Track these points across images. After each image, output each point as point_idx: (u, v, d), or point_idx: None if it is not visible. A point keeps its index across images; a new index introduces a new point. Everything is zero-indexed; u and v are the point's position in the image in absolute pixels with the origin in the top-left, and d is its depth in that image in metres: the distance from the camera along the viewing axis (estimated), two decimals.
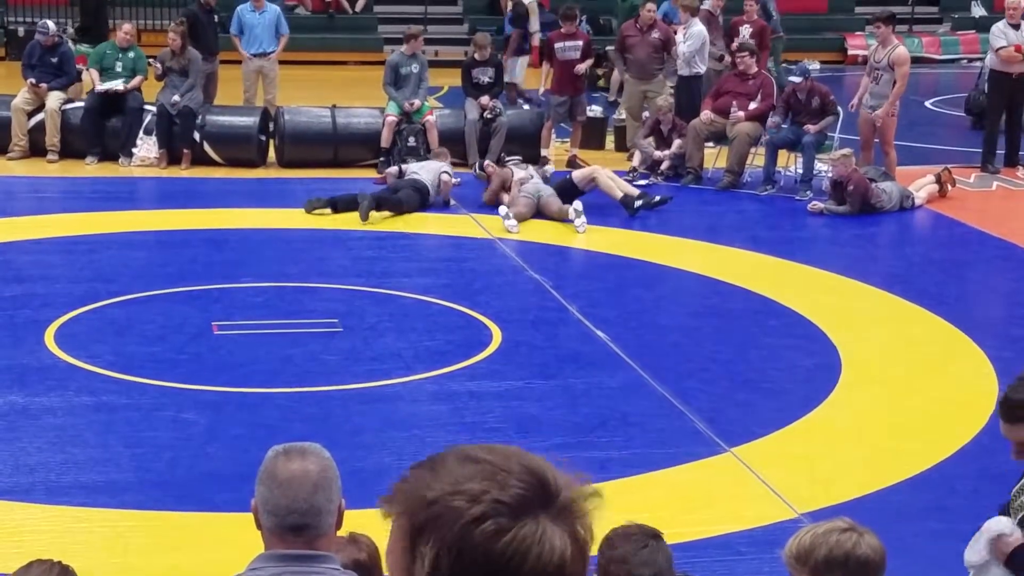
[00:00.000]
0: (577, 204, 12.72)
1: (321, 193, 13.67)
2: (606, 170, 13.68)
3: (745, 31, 16.56)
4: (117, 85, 15.33)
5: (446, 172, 13.64)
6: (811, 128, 14.38)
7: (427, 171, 13.59)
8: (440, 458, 1.76)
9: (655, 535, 4.09)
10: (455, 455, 1.76)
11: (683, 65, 15.51)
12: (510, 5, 21.74)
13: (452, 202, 13.59)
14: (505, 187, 13.39)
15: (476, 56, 15.76)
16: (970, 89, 19.46)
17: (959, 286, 11.72)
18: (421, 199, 13.25)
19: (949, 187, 14.52)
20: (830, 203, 13.70)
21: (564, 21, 15.97)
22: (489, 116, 15.22)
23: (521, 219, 12.77)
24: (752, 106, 14.82)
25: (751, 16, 16.79)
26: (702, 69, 15.89)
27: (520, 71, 18.96)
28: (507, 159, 14.60)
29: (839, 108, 14.70)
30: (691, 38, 15.63)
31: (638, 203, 13.10)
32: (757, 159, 15.40)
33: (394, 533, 1.73)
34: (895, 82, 14.39)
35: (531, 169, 14.01)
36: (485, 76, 15.51)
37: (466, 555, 1.66)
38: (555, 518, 1.71)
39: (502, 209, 12.81)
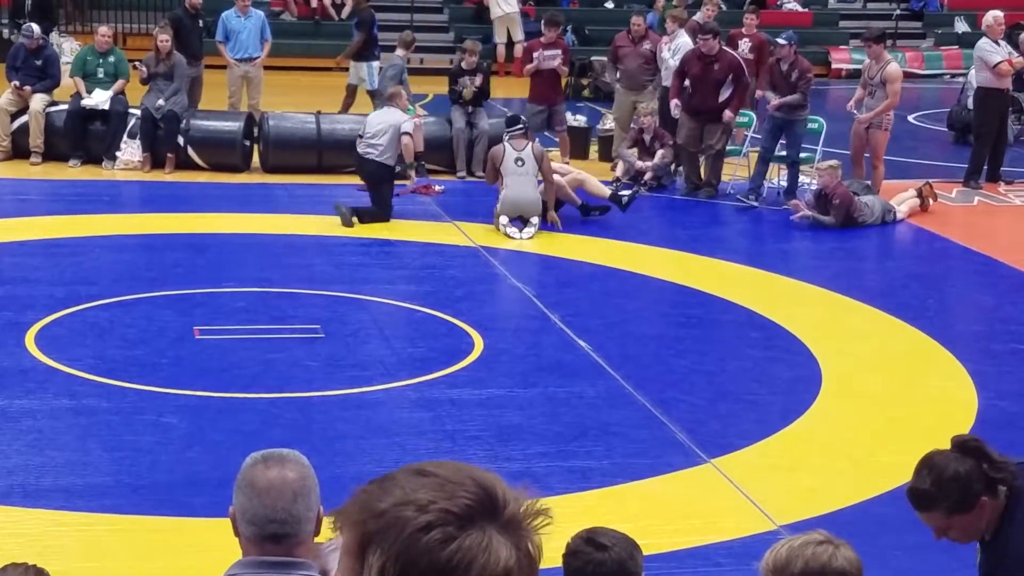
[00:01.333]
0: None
1: (305, 200, 13.67)
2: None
3: (744, 45, 16.58)
4: (102, 104, 15.26)
5: (406, 133, 13.23)
6: (773, 101, 14.29)
7: (383, 139, 13.15)
8: (391, 474, 1.77)
9: (600, 546, 4.08)
10: (406, 470, 1.77)
11: (668, 76, 15.52)
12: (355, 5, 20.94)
13: (413, 171, 13.66)
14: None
15: (463, 64, 15.77)
16: (952, 104, 19.53)
17: (940, 300, 11.75)
18: (386, 177, 13.21)
19: (931, 202, 14.57)
20: (815, 212, 13.72)
21: (547, 27, 16.00)
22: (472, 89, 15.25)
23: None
24: (727, 113, 14.62)
25: (750, 29, 16.80)
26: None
27: (374, 77, 17.81)
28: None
29: (808, 100, 14.57)
30: (677, 50, 15.66)
31: (625, 197, 13.33)
32: (740, 170, 15.43)
33: (344, 545, 1.73)
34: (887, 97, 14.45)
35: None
36: (473, 85, 15.52)
37: (412, 564, 1.67)
38: (502, 530, 1.72)
39: (503, 218, 12.78)
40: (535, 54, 15.81)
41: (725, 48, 15.06)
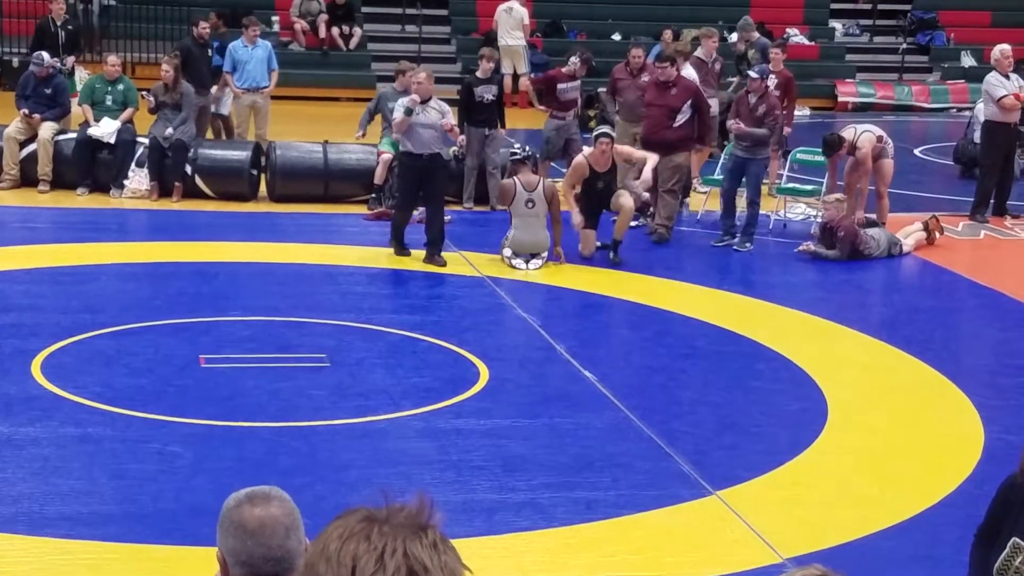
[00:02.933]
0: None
1: (312, 229, 13.70)
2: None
3: (771, 82, 16.57)
4: (109, 136, 15.32)
5: (445, 120, 12.83)
6: (759, 153, 13.96)
7: (432, 136, 12.73)
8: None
9: None
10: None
11: None
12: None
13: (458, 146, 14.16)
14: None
15: (479, 73, 15.72)
16: (959, 138, 19.57)
17: (946, 333, 11.74)
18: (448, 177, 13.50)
19: (937, 235, 14.58)
20: (820, 246, 13.75)
21: (576, 61, 16.00)
22: (459, 155, 15.13)
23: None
24: (680, 123, 14.16)
25: (777, 65, 16.79)
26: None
27: (227, 104, 17.60)
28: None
29: (777, 129, 14.50)
30: None
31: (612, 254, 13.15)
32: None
33: None
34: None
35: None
36: (489, 94, 15.48)
37: None
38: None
39: (507, 251, 12.81)
40: (560, 86, 15.90)
41: (683, 75, 14.86)
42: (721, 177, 15.86)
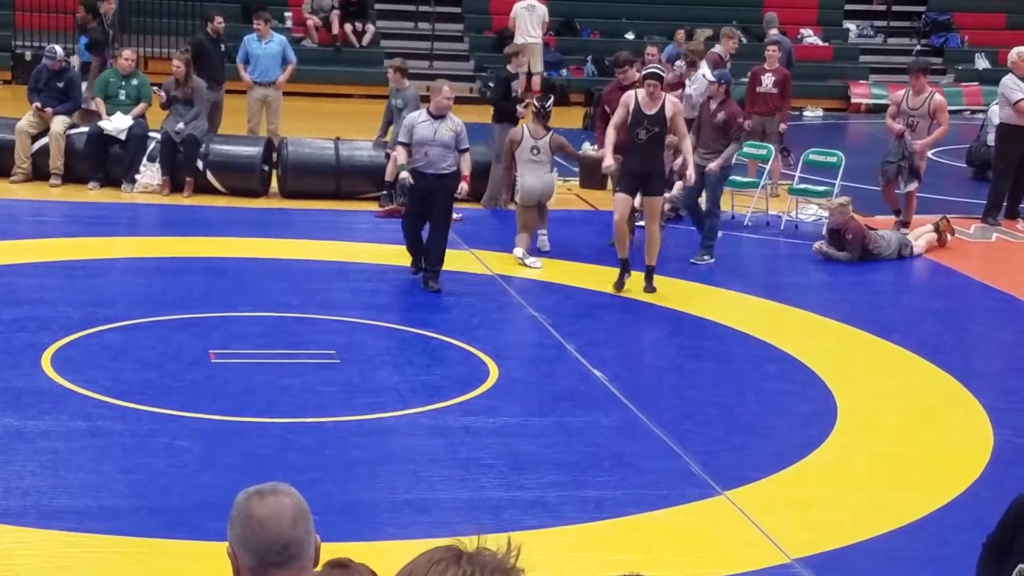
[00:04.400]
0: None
1: (323, 226, 13.71)
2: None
3: (767, 80, 16.57)
4: (121, 132, 15.33)
5: (462, 185, 11.95)
6: (712, 167, 13.20)
7: (440, 154, 11.79)
8: None
9: None
10: None
11: (690, 109, 15.39)
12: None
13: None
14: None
15: (512, 68, 15.60)
16: (972, 140, 19.53)
17: (957, 336, 11.72)
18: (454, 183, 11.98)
19: (948, 237, 14.55)
20: (831, 248, 13.73)
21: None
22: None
23: None
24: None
25: (772, 64, 16.77)
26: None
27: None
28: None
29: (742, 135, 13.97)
30: (696, 82, 15.65)
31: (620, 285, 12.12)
32: (758, 202, 15.42)
33: None
34: (929, 128, 14.56)
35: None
36: (518, 88, 15.57)
37: None
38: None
39: (517, 251, 12.80)
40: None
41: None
42: (733, 178, 15.86)
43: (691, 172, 12.23)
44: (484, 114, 16.36)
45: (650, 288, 11.87)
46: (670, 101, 11.86)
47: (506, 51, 15.97)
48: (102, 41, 18.41)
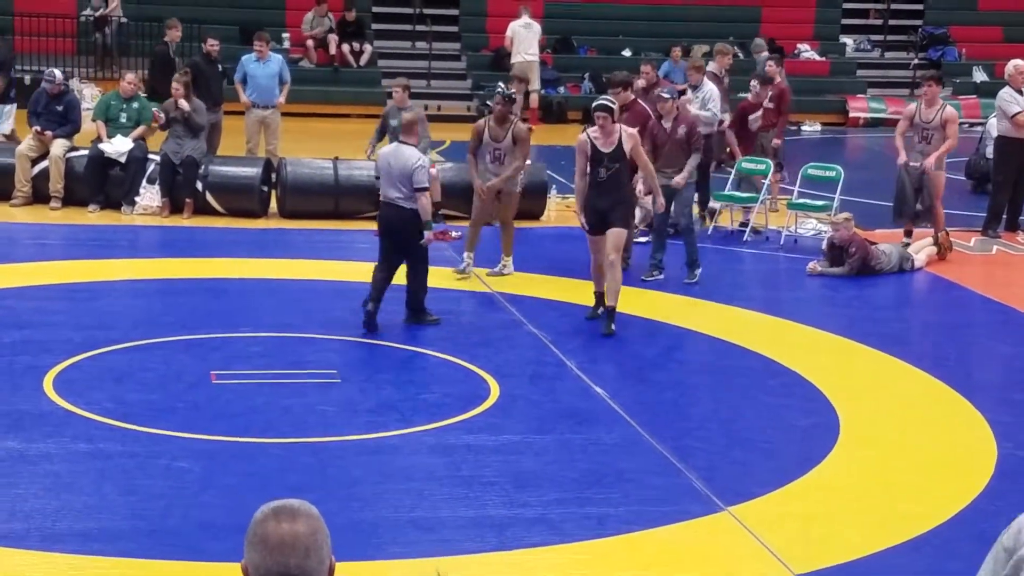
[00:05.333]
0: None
1: (322, 246, 13.73)
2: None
3: (768, 93, 16.59)
4: (121, 155, 15.36)
5: (422, 189, 11.00)
6: (678, 180, 12.88)
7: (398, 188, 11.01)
8: None
9: None
10: None
11: (705, 126, 15.28)
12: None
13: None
14: None
15: (513, 89, 15.49)
16: (971, 153, 19.56)
17: (958, 349, 11.72)
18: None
19: (948, 252, 14.56)
20: (824, 263, 13.75)
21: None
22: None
23: None
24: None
25: (773, 77, 16.80)
26: (716, 123, 15.86)
27: (7, 121, 17.48)
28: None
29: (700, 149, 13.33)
30: (710, 99, 15.55)
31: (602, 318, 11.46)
32: (758, 217, 15.43)
33: None
34: (945, 139, 14.54)
35: None
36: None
37: None
38: None
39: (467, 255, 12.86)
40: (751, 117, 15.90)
41: (637, 100, 13.68)
42: (732, 192, 15.89)
43: (661, 201, 12.26)
44: None
45: (609, 330, 11.13)
46: (626, 134, 11.21)
47: (513, 72, 15.71)
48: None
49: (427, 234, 11.09)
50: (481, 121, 13.17)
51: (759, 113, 16.02)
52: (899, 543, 7.30)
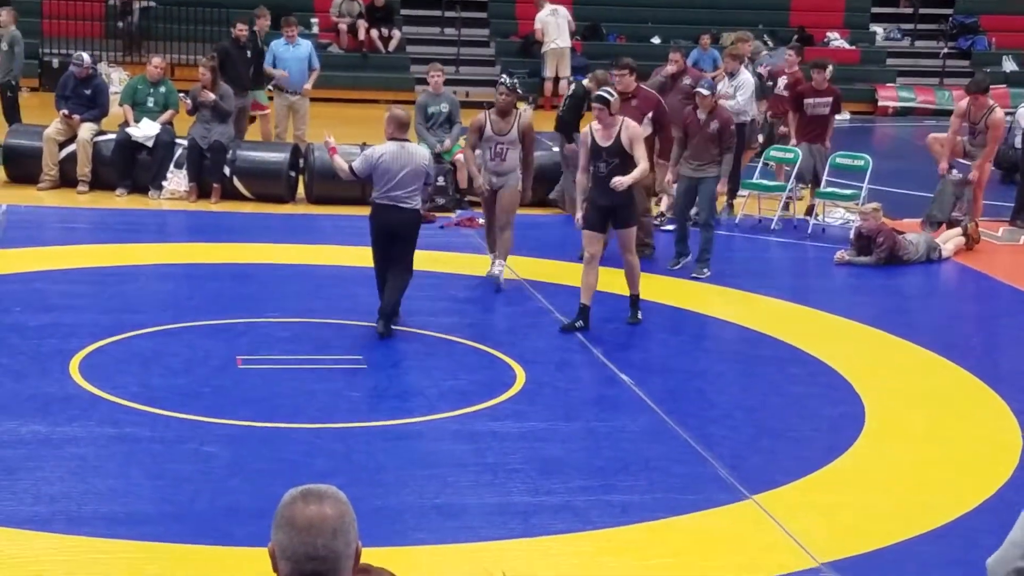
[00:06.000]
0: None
1: (349, 231, 13.74)
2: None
3: (781, 82, 16.58)
4: (148, 139, 15.40)
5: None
6: (720, 189, 12.97)
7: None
8: None
9: None
10: None
11: (735, 115, 15.21)
12: None
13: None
14: None
15: (588, 83, 15.14)
16: (999, 143, 19.42)
17: (985, 339, 11.66)
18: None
19: (976, 240, 14.50)
20: (852, 252, 13.70)
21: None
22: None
23: None
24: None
25: (791, 67, 16.77)
26: (750, 116, 15.83)
27: None
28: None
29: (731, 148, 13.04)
30: (743, 87, 15.53)
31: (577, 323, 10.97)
32: (769, 203, 15.38)
33: None
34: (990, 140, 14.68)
35: None
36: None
37: None
38: None
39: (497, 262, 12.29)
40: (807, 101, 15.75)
41: (643, 86, 13.61)
42: (761, 181, 15.86)
43: (669, 177, 12.53)
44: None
45: (635, 318, 11.14)
46: (626, 127, 10.79)
47: (597, 73, 15.11)
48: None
49: (432, 214, 11.09)
50: (481, 115, 12.30)
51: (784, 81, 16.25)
52: (924, 532, 7.27)
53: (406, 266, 10.60)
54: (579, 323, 10.82)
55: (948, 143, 14.91)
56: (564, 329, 10.80)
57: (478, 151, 12.41)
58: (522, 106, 12.44)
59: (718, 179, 12.94)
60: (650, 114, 13.02)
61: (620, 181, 10.64)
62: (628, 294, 11.29)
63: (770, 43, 25.70)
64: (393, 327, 10.50)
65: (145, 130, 15.50)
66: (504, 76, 12.75)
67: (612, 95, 10.91)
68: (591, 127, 10.92)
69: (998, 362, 10.88)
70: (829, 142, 15.75)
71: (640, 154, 10.80)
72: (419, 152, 10.68)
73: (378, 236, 10.59)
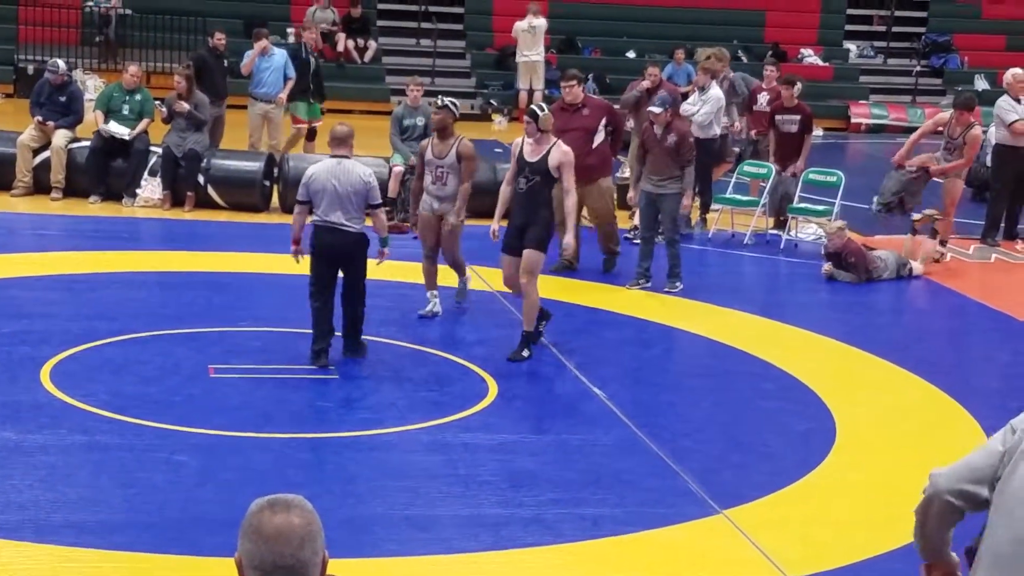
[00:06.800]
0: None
1: None
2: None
3: (763, 98, 16.63)
4: (123, 135, 15.40)
5: (377, 207, 10.04)
6: (685, 203, 12.82)
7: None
8: None
9: None
10: None
11: (697, 128, 15.34)
12: None
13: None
14: None
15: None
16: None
17: (955, 355, 11.73)
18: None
19: (944, 240, 14.59)
20: (838, 269, 13.72)
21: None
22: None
23: None
24: (597, 145, 12.94)
25: (770, 82, 16.84)
26: (717, 131, 15.94)
27: None
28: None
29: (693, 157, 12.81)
30: (709, 101, 15.64)
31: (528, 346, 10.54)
32: (758, 221, 15.44)
33: None
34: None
35: None
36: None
37: None
38: None
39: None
40: (778, 117, 15.81)
41: (590, 95, 13.50)
42: (734, 196, 15.91)
43: (631, 194, 12.36)
44: (484, 131, 16.39)
45: (518, 355, 10.32)
46: (558, 150, 10.37)
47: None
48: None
49: (386, 251, 10.17)
50: (426, 141, 11.60)
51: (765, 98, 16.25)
52: (895, 549, 7.30)
53: (358, 294, 9.96)
54: (525, 352, 10.38)
55: (911, 142, 14.96)
56: (511, 359, 10.31)
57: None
58: (463, 133, 11.65)
59: (679, 195, 12.78)
60: (604, 120, 13.05)
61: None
62: (599, 307, 11.33)
63: (744, 59, 25.80)
64: (350, 353, 10.04)
65: (117, 128, 15.42)
66: (440, 97, 12.06)
67: (543, 110, 10.57)
68: (522, 139, 10.56)
69: (968, 379, 10.94)
70: (803, 162, 15.70)
71: (569, 184, 10.40)
72: (357, 170, 9.79)
73: (318, 260, 9.85)
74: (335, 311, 10.01)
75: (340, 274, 10.00)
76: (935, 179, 14.85)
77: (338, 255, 9.85)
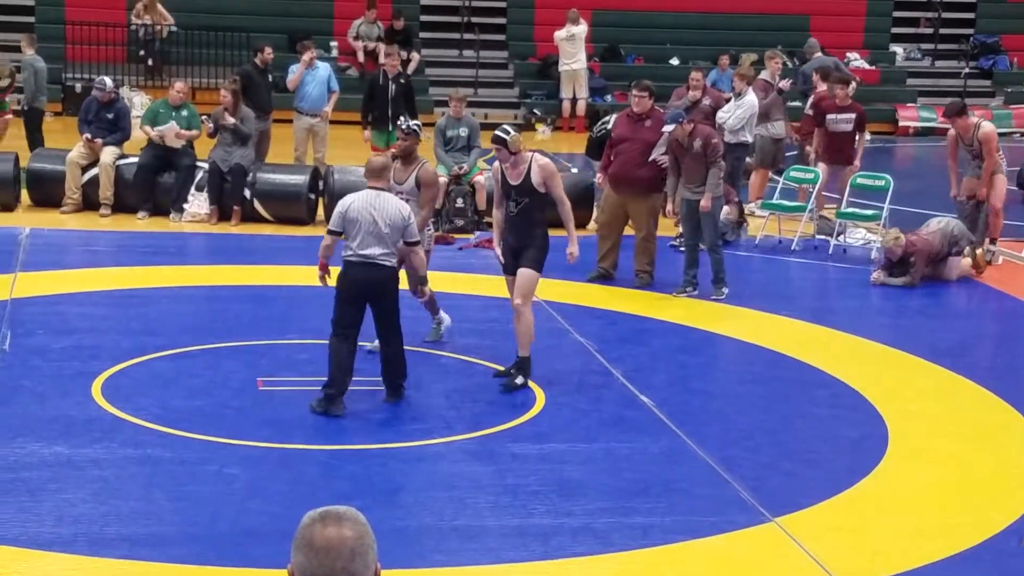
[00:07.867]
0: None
1: None
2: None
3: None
4: (169, 129, 15.46)
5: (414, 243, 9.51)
6: (704, 204, 12.57)
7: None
8: None
9: None
10: None
11: (729, 134, 15.45)
12: None
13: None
14: None
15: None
16: (1022, 163, 19.39)
17: (1008, 360, 11.60)
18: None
19: (983, 268, 14.41)
20: (884, 273, 13.62)
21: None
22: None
23: None
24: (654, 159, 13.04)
25: (816, 86, 16.81)
26: (749, 138, 15.94)
27: None
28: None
29: (721, 159, 12.76)
30: (742, 107, 15.68)
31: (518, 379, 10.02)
32: (806, 227, 15.35)
33: None
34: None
35: None
36: None
37: None
38: None
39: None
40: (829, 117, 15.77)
41: (659, 108, 13.55)
42: (781, 201, 15.83)
43: (670, 207, 12.44)
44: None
45: (511, 384, 9.87)
46: (537, 165, 9.96)
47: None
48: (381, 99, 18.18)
49: (426, 289, 9.89)
50: (497, 163, 10.54)
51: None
52: (948, 555, 7.22)
53: (393, 330, 9.43)
54: (519, 379, 9.91)
55: (952, 172, 14.83)
56: (504, 385, 9.89)
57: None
58: (428, 159, 11.03)
59: (720, 202, 12.88)
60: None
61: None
62: (646, 315, 11.30)
63: (788, 64, 25.69)
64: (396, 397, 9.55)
65: (165, 126, 15.51)
66: (403, 117, 11.63)
67: (508, 133, 9.97)
68: (500, 164, 10.14)
69: (1022, 382, 10.82)
70: (859, 162, 15.74)
71: (558, 194, 10.06)
72: (395, 204, 9.34)
73: (348, 298, 9.29)
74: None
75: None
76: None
77: (371, 291, 9.28)
